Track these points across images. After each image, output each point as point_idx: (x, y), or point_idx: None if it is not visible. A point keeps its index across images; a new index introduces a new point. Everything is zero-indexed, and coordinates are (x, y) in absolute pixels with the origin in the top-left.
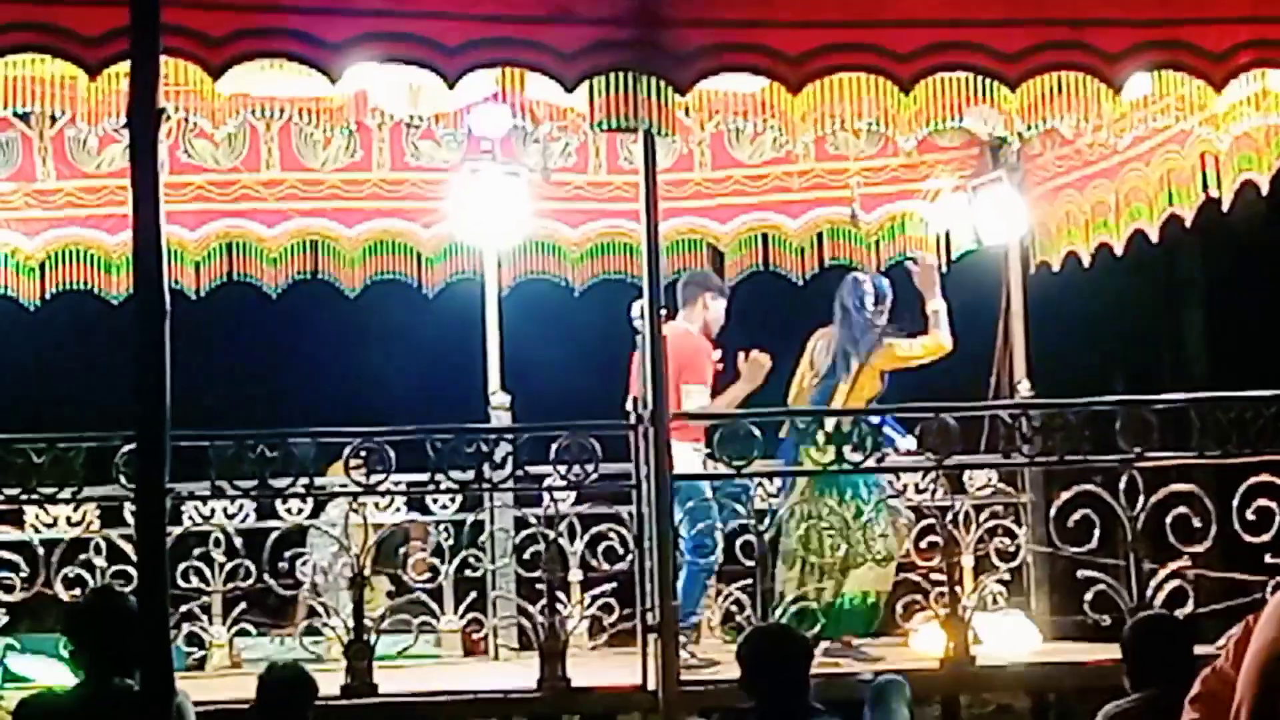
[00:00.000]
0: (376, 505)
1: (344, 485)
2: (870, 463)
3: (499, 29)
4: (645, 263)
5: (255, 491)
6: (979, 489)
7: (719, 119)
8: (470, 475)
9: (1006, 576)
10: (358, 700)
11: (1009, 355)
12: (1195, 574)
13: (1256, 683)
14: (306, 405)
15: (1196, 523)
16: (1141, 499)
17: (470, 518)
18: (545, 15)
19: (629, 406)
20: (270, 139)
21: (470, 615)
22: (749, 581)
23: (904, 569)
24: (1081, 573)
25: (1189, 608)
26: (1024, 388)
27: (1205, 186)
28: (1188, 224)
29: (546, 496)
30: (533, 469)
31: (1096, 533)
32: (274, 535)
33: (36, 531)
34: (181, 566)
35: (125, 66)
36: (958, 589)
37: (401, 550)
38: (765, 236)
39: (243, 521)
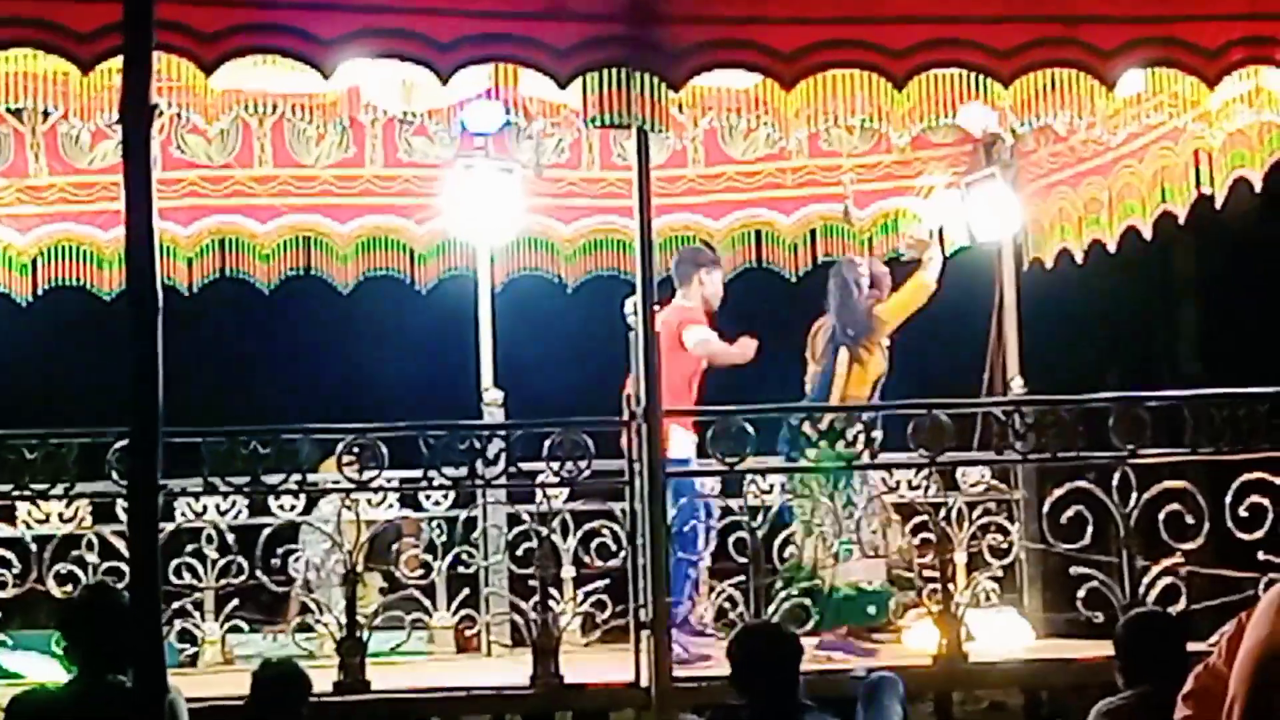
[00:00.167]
0: (369, 501)
1: (337, 481)
2: (865, 459)
3: (492, 25)
4: (638, 259)
5: (248, 488)
6: (972, 486)
7: (712, 115)
8: (463, 471)
9: (999, 573)
10: (350, 697)
11: (1002, 352)
12: (1188, 571)
13: (1249, 679)
14: (299, 401)
15: (1189, 520)
16: (1134, 496)
17: (463, 514)
18: (539, 11)
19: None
20: (263, 135)
21: (463, 612)
22: (742, 579)
23: (896, 565)
24: (1074, 569)
25: (1181, 604)
26: (1017, 384)
27: (1198, 183)
28: (1181, 221)
29: (539, 493)
30: (526, 465)
31: (1089, 529)
32: (266, 531)
33: (28, 528)
34: (174, 563)
35: (118, 62)
36: (951, 586)
37: (394, 547)
38: (758, 233)
39: (235, 518)
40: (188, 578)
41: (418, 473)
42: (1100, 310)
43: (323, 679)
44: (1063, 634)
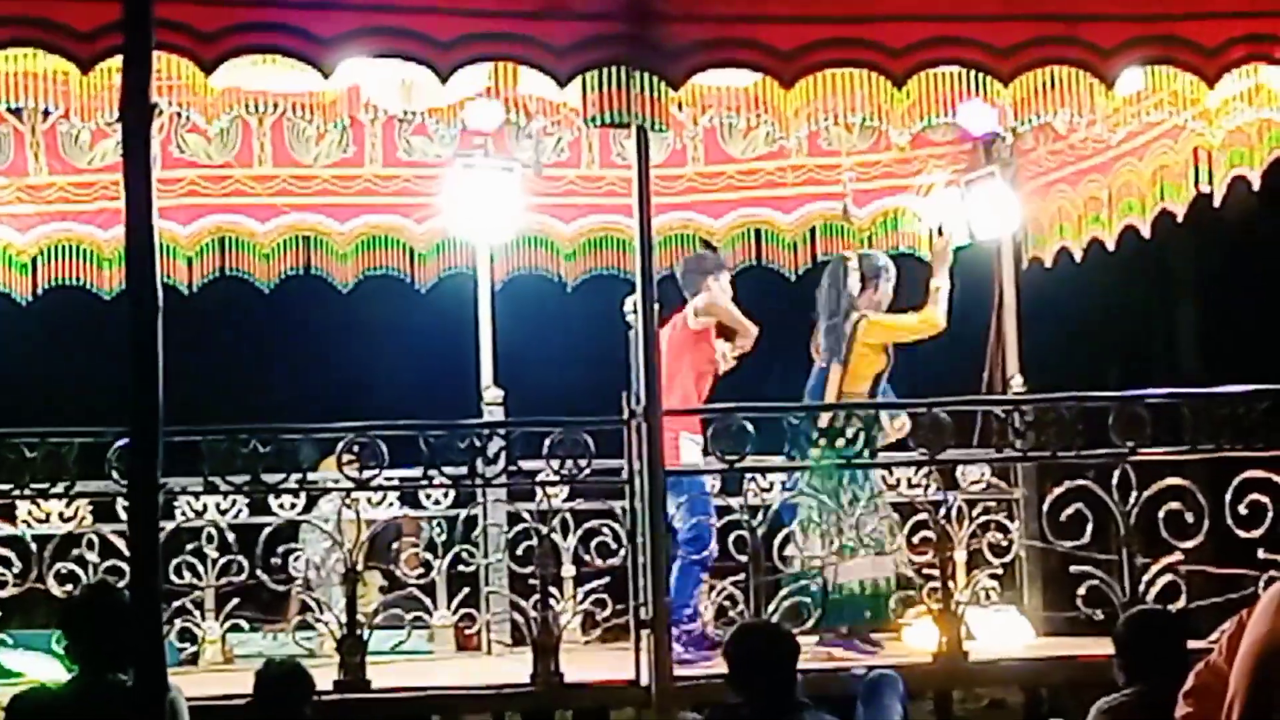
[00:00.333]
0: (369, 500)
1: (337, 480)
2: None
3: (492, 24)
4: (638, 258)
5: (248, 487)
6: (972, 484)
7: (712, 114)
8: (463, 470)
9: (999, 571)
10: (351, 695)
11: (1001, 350)
12: (1188, 569)
13: (1250, 675)
14: (299, 400)
15: (1189, 518)
16: (1134, 494)
17: (463, 513)
18: (538, 10)
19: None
20: (262, 134)
21: (463, 610)
22: (741, 577)
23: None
24: (1074, 568)
25: (1181, 602)
26: (1016, 383)
27: (1197, 181)
28: (1179, 219)
29: (539, 492)
30: (526, 464)
31: (1089, 528)
32: (267, 530)
33: (29, 527)
34: (174, 562)
35: (118, 61)
36: (950, 584)
37: (394, 545)
38: (758, 231)
39: (235, 517)
40: (188, 576)
41: (418, 471)
42: (1100, 308)
43: (323, 678)
44: (1063, 632)
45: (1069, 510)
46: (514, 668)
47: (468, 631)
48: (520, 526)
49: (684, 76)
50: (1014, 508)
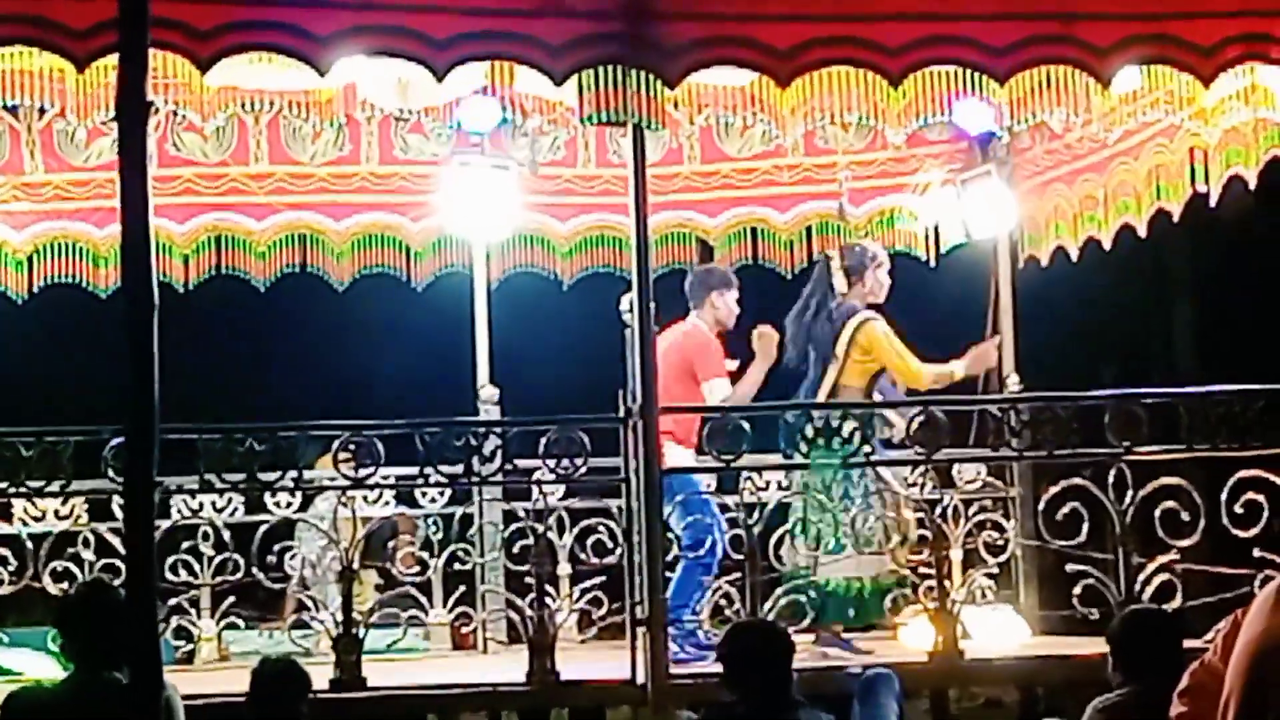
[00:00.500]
0: (365, 499)
1: (333, 479)
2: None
3: (488, 22)
4: (634, 256)
5: (244, 485)
6: (968, 483)
7: (708, 112)
8: (459, 469)
9: (995, 570)
10: (347, 694)
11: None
12: (1183, 568)
13: (1245, 674)
14: (295, 398)
15: (1185, 517)
16: (1130, 493)
17: (459, 511)
18: (534, 9)
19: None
20: (259, 132)
21: (459, 609)
22: (738, 575)
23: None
24: (1070, 567)
25: (1177, 601)
26: (1012, 382)
27: (1193, 181)
28: (1175, 218)
29: (535, 490)
30: (522, 463)
31: (1085, 527)
32: (262, 529)
33: (24, 525)
34: (170, 560)
35: (113, 59)
36: (946, 583)
37: (390, 544)
38: (754, 230)
39: (231, 515)
40: (184, 575)
41: (414, 470)
42: (1096, 307)
43: (319, 676)
44: (1058, 631)
45: (1065, 509)
46: (510, 666)
47: (464, 630)
48: (516, 525)
49: (680, 75)
50: (1010, 507)
